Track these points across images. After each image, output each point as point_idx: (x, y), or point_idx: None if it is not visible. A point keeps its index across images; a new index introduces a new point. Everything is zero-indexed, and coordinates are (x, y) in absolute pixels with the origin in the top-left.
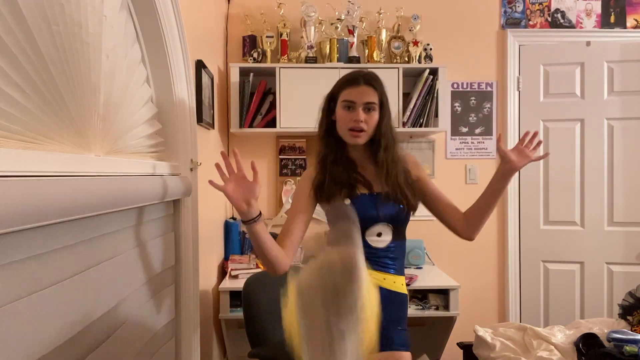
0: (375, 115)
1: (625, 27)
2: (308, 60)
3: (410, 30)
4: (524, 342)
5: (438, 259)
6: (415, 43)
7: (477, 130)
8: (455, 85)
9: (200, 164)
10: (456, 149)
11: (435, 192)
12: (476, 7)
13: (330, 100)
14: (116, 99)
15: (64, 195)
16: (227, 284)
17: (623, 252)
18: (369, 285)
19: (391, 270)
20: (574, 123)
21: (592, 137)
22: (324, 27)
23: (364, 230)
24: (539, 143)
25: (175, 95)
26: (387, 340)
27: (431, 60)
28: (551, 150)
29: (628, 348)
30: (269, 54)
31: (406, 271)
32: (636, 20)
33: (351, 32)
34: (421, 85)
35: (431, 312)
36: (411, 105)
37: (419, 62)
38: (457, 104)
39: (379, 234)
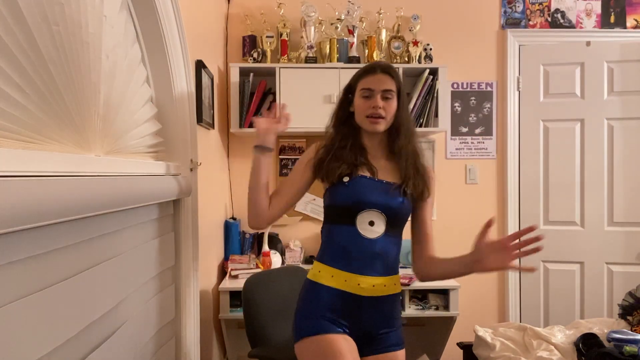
0: (394, 104)
1: (625, 27)
2: (308, 60)
3: (410, 30)
4: (524, 342)
5: None
6: (415, 43)
7: (477, 130)
8: (455, 85)
9: (200, 164)
10: (456, 149)
11: (425, 217)
12: (476, 7)
13: (348, 92)
14: (116, 99)
15: (64, 195)
16: (227, 284)
17: (623, 252)
18: None
19: (381, 272)
20: (574, 123)
21: (592, 137)
22: (324, 27)
23: (355, 214)
24: (537, 249)
25: (175, 95)
26: (380, 343)
27: (431, 60)
28: (551, 150)
29: (628, 348)
30: (269, 54)
31: (406, 271)
32: (636, 20)
33: (351, 32)
34: (421, 85)
35: (431, 312)
36: (411, 106)
37: (419, 62)
38: (457, 104)
39: (371, 223)
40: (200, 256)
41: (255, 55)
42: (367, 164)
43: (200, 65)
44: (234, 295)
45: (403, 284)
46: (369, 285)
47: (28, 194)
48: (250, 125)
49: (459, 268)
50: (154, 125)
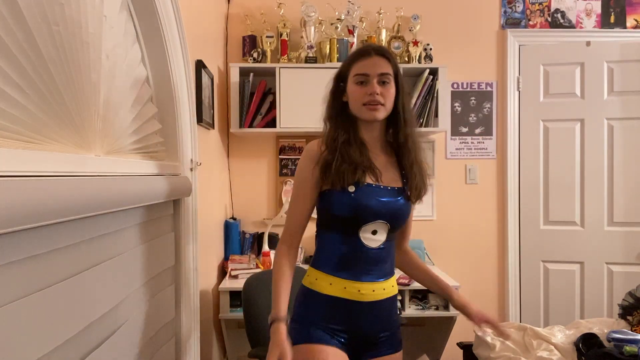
0: (392, 89)
1: (625, 27)
2: (308, 60)
3: (410, 30)
4: (524, 342)
5: (438, 259)
6: (415, 43)
7: (477, 130)
8: (455, 85)
9: (200, 164)
10: (456, 149)
11: (411, 212)
12: (476, 7)
13: (340, 81)
14: (116, 99)
15: (64, 195)
16: (227, 284)
17: (623, 252)
18: None
19: (381, 276)
20: (574, 123)
21: (592, 137)
22: (324, 27)
23: (359, 225)
24: (504, 337)
25: (175, 95)
26: (380, 347)
27: (431, 60)
28: (551, 150)
29: (628, 348)
30: (269, 54)
31: None
32: (636, 20)
33: (351, 32)
34: (421, 85)
35: (431, 312)
36: (411, 106)
37: (419, 62)
38: (457, 104)
39: (374, 232)
40: (200, 256)
41: (255, 55)
42: (371, 166)
43: (200, 65)
44: (234, 295)
45: (403, 284)
46: (369, 290)
47: (28, 194)
48: (250, 125)
49: (436, 290)
50: (154, 125)
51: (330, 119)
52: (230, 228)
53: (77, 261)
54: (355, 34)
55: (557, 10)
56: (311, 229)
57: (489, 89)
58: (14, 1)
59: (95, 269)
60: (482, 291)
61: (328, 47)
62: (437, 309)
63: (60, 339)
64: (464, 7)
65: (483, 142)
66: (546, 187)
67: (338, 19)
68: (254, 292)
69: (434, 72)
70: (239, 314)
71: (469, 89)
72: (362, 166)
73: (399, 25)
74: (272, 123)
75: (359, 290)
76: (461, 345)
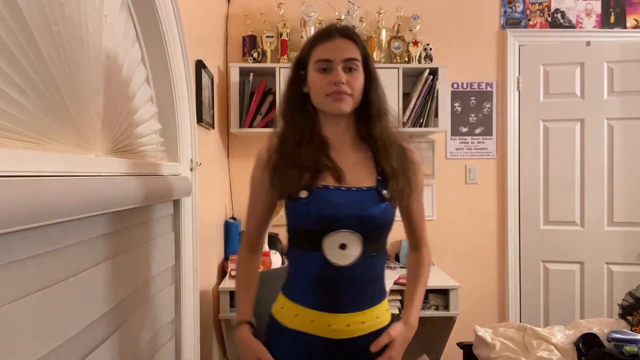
0: (360, 76)
1: (625, 27)
2: None
3: (410, 30)
4: (524, 342)
5: (438, 259)
6: (415, 43)
7: (477, 130)
8: (455, 85)
9: (200, 164)
10: (456, 149)
11: (412, 209)
12: (476, 7)
13: (299, 68)
14: (116, 99)
15: (64, 195)
16: (227, 284)
17: (623, 252)
18: None
19: (360, 305)
20: (574, 123)
21: (592, 137)
22: None
23: (319, 239)
24: None
25: (175, 95)
26: None
27: (431, 60)
28: (551, 150)
29: (628, 348)
30: (269, 54)
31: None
32: (636, 20)
33: None
34: (421, 85)
35: (431, 312)
36: (411, 106)
37: (419, 62)
38: (457, 104)
39: (343, 246)
40: (200, 256)
41: (255, 55)
42: (331, 166)
43: (200, 65)
44: (234, 295)
45: (403, 284)
46: (342, 325)
47: (28, 194)
48: (251, 125)
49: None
50: (154, 125)
51: (284, 116)
52: (230, 228)
53: (77, 261)
54: None
55: (557, 10)
56: None
57: (489, 89)
58: (14, 1)
59: (95, 269)
60: (482, 291)
61: None
62: (437, 308)
63: (60, 339)
64: (464, 7)
65: (483, 142)
66: (546, 187)
67: (338, 19)
68: None
69: (434, 72)
70: None
71: (469, 89)
72: (314, 167)
73: (399, 25)
74: (272, 123)
75: (329, 325)
76: (461, 345)
